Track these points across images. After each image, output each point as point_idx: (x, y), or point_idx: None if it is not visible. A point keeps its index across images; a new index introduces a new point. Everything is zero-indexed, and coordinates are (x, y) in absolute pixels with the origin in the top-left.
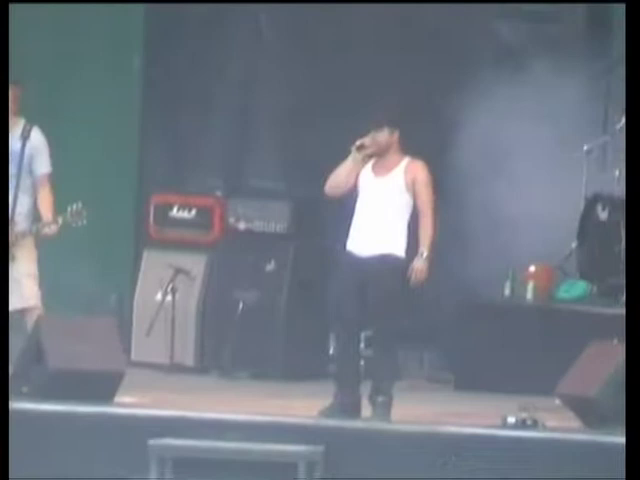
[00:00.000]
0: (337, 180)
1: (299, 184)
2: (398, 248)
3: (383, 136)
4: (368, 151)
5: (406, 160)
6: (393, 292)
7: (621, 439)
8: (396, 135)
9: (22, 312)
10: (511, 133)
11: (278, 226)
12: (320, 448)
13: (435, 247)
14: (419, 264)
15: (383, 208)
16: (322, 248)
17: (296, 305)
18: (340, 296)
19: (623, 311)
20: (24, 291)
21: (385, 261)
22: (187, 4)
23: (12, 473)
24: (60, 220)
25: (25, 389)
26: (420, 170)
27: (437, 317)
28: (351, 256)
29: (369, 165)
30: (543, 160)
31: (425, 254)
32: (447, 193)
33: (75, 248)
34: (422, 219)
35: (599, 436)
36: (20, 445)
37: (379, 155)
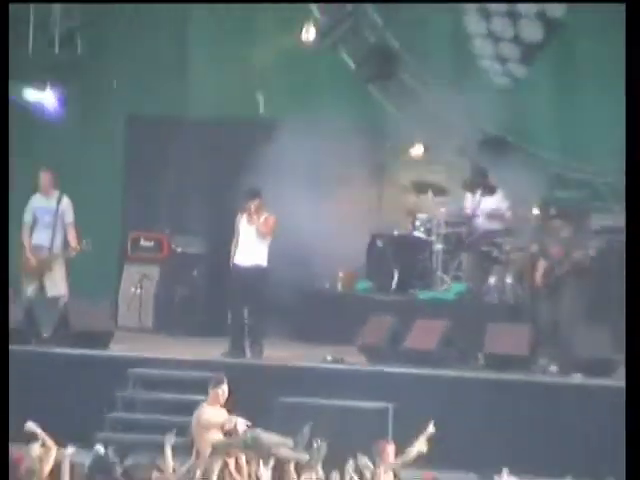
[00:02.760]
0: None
1: None
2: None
3: (253, 202)
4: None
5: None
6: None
7: None
8: (258, 201)
9: (56, 299)
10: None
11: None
12: None
13: None
14: None
15: (253, 239)
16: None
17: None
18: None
19: (393, 297)
20: (58, 284)
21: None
22: None
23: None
24: (78, 247)
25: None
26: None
27: None
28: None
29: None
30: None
31: None
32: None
33: (87, 267)
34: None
35: None
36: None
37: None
